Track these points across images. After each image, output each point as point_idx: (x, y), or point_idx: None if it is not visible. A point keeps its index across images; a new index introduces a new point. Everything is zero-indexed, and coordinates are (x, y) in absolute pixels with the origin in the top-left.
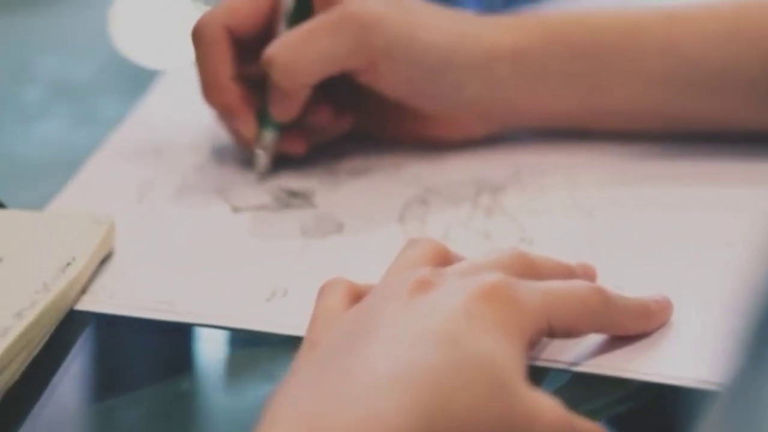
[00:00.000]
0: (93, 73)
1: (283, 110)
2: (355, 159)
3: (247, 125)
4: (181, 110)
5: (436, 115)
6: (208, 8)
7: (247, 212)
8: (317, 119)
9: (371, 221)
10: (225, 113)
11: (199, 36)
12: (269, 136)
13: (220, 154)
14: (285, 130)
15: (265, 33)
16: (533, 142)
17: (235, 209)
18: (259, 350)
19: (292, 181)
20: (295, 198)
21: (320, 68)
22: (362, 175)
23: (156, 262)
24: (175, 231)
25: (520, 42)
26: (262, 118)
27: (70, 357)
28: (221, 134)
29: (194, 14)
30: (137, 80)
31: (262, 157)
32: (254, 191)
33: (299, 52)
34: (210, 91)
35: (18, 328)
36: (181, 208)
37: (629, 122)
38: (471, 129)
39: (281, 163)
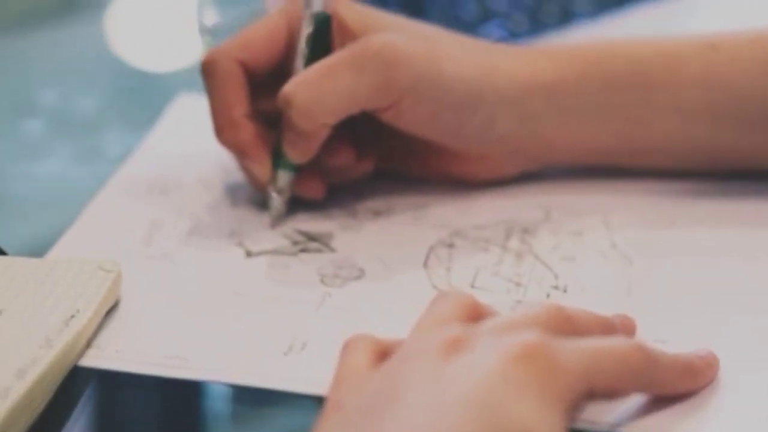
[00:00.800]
0: (97, 105)
1: (300, 152)
2: (376, 199)
3: (261, 166)
4: (190, 144)
5: (464, 152)
6: (217, 43)
7: (262, 257)
8: (337, 161)
9: (394, 267)
10: (238, 152)
11: (211, 70)
12: (284, 177)
13: (232, 193)
14: (302, 170)
15: (281, 67)
16: (566, 180)
17: (249, 254)
18: (275, 408)
19: (309, 222)
20: (312, 241)
21: (341, 108)
22: (384, 217)
23: (165, 313)
24: (186, 278)
25: (554, 74)
26: (277, 158)
27: (73, 416)
28: (233, 170)
29: (194, 15)
30: (144, 111)
31: (276, 201)
32: (269, 234)
33: (319, 91)
34: (222, 128)
35: (20, 388)
36: (191, 252)
37: (668, 159)
38: (501, 167)
39: (297, 203)
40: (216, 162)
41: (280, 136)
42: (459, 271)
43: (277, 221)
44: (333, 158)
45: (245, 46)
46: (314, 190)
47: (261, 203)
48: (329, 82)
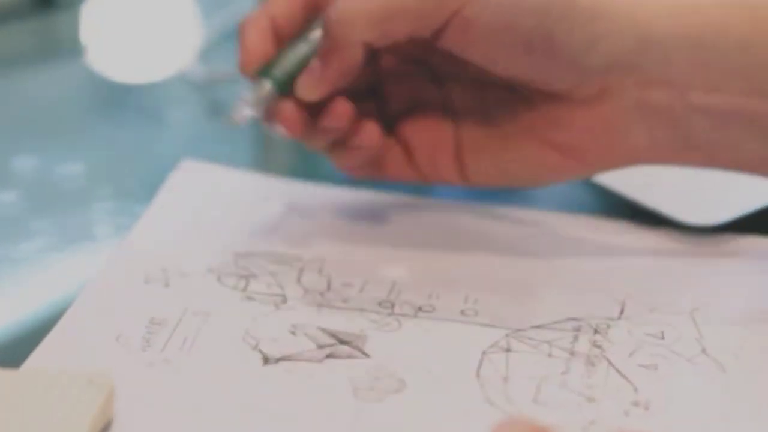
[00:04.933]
0: (82, 174)
1: (317, 79)
2: (416, 290)
3: (250, 51)
4: (195, 222)
5: (567, 97)
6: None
7: (282, 364)
8: (327, 116)
9: (440, 377)
10: (240, 31)
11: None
12: (265, 89)
13: (243, 281)
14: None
15: None
16: (644, 262)
17: (267, 360)
18: None
19: (336, 320)
20: (342, 344)
21: (388, 16)
22: (426, 313)
23: None
24: (191, 390)
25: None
26: (268, 67)
27: None
28: (247, 254)
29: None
30: (138, 182)
31: (240, 108)
32: (289, 336)
33: None
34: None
35: None
36: (197, 359)
37: None
38: (615, 131)
39: (324, 301)
40: (226, 244)
41: (289, 46)
42: (518, 382)
43: (227, 123)
44: (357, 133)
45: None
46: (288, 120)
47: (280, 296)
48: None
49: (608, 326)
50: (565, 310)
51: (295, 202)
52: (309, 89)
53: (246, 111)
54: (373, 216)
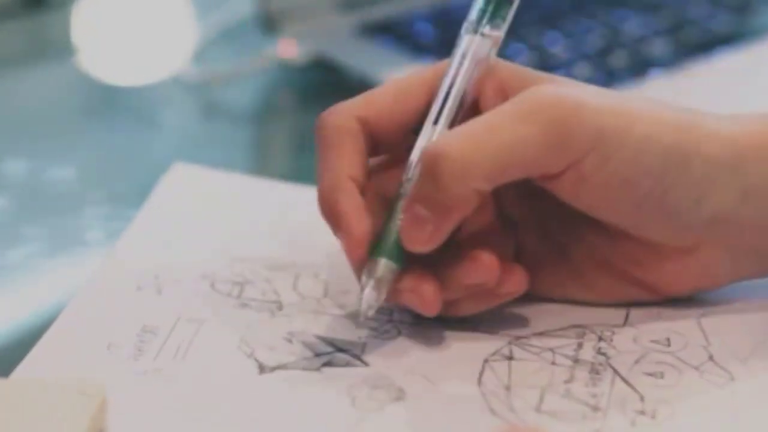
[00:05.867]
0: (73, 178)
1: (429, 233)
2: None
3: (354, 242)
4: (188, 227)
5: (658, 246)
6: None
7: (279, 372)
8: (474, 273)
9: (441, 385)
10: (332, 222)
11: (323, 124)
12: (386, 268)
13: (238, 289)
14: (410, 271)
15: (404, 137)
16: None
17: (263, 369)
18: None
19: (334, 327)
20: (340, 352)
21: (504, 168)
22: (426, 320)
23: None
24: (185, 400)
25: None
26: (381, 244)
27: None
28: (242, 259)
29: (164, 26)
30: (130, 187)
31: (369, 295)
32: (286, 344)
33: (479, 144)
34: (323, 193)
35: None
36: (190, 368)
37: None
38: (711, 269)
39: (320, 308)
40: (220, 250)
41: (392, 214)
42: (521, 391)
43: (363, 318)
44: (468, 268)
45: (368, 104)
46: (427, 302)
47: (275, 303)
48: (492, 135)
49: (613, 333)
50: (569, 316)
51: (291, 206)
52: (423, 244)
53: (372, 299)
54: None
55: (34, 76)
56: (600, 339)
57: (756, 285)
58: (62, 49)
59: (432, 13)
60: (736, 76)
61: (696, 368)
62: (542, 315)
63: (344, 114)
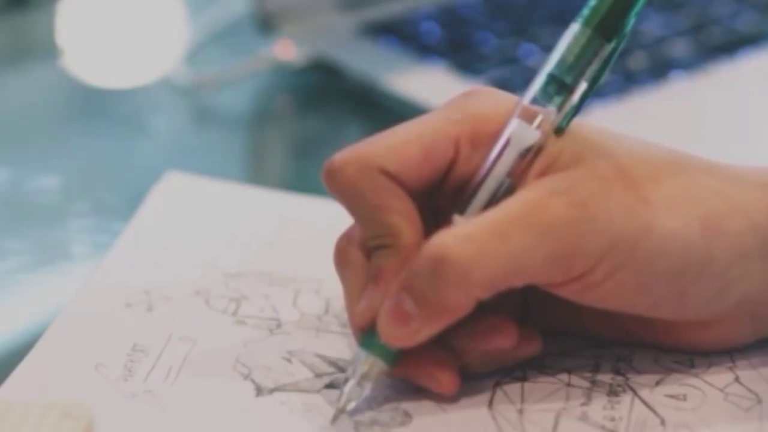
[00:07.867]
0: (57, 188)
1: (413, 332)
2: None
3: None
4: (180, 240)
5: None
6: None
7: (276, 395)
8: (494, 341)
9: (450, 409)
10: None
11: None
12: (374, 365)
13: (233, 304)
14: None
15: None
16: None
17: (260, 391)
18: None
19: (335, 346)
20: (341, 373)
21: (506, 278)
22: None
23: None
24: (176, 425)
25: None
26: (369, 336)
27: None
28: (237, 274)
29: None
30: (118, 197)
31: (350, 389)
32: (285, 363)
33: (485, 252)
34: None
35: None
36: (183, 390)
37: None
38: (736, 332)
39: (321, 326)
40: (215, 264)
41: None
42: (535, 414)
43: (339, 415)
44: (480, 337)
45: (393, 154)
46: (445, 388)
47: (274, 320)
48: (500, 245)
49: (632, 353)
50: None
51: (290, 217)
52: (402, 342)
53: (355, 395)
54: None
55: (16, 79)
56: (619, 359)
57: None
58: (46, 49)
59: (439, 12)
60: (762, 78)
61: (721, 390)
62: (557, 334)
63: (366, 165)
